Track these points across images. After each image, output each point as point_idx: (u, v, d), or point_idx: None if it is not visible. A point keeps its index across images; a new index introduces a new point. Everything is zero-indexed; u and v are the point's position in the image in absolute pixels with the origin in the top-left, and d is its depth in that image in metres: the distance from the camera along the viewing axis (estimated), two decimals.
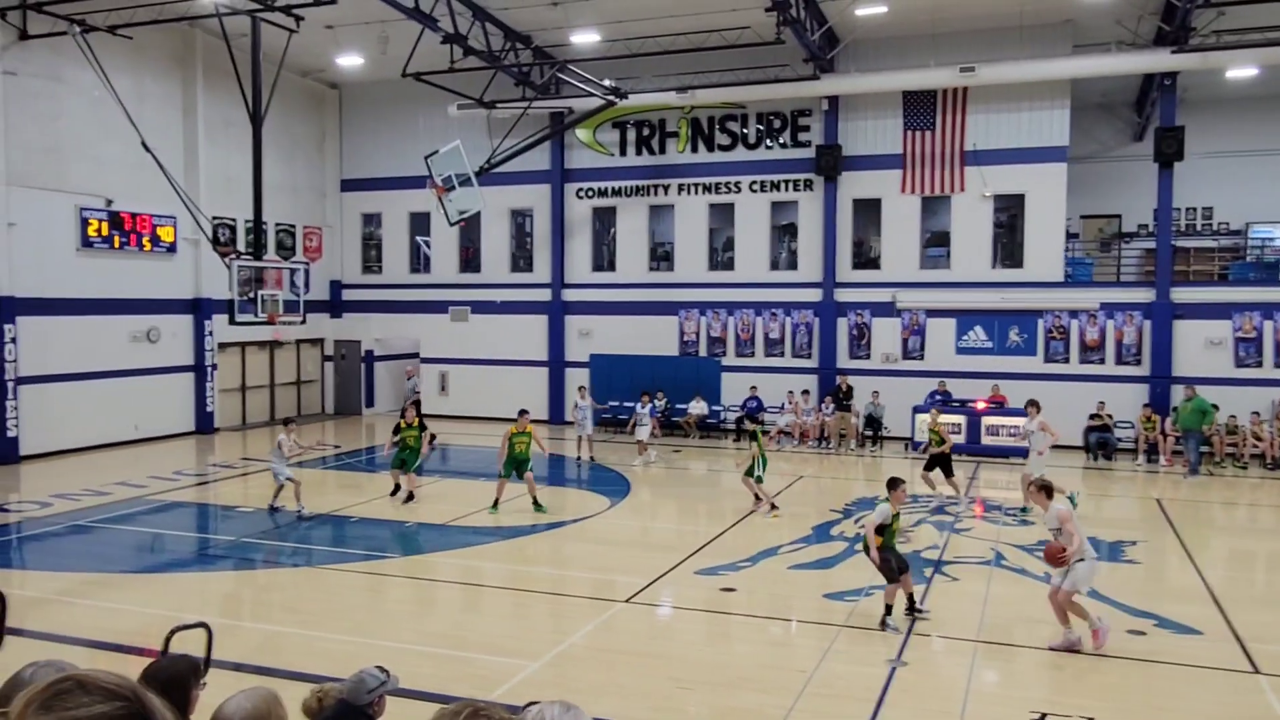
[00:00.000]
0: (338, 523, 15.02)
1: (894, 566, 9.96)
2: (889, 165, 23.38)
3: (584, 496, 16.98)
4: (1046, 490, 9.58)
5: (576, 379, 25.69)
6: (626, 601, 10.85)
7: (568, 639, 9.69)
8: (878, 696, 8.16)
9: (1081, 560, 9.12)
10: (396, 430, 16.52)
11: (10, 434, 19.45)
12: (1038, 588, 11.42)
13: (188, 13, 20.22)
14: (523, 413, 15.74)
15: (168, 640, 4.92)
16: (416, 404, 22.14)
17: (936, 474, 16.21)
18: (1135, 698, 8.43)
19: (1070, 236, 24.26)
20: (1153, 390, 21.50)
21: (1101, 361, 22.17)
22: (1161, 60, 20.55)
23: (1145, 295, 21.95)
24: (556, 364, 26.45)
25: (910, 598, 10.13)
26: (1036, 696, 8.40)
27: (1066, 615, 9.20)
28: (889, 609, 9.88)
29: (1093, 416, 21.08)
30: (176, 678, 3.70)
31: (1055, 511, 9.28)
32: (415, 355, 28.50)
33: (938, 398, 22.20)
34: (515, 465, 15.37)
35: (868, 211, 24.13)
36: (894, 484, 10.24)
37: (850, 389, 22.69)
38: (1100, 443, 20.79)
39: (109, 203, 21.49)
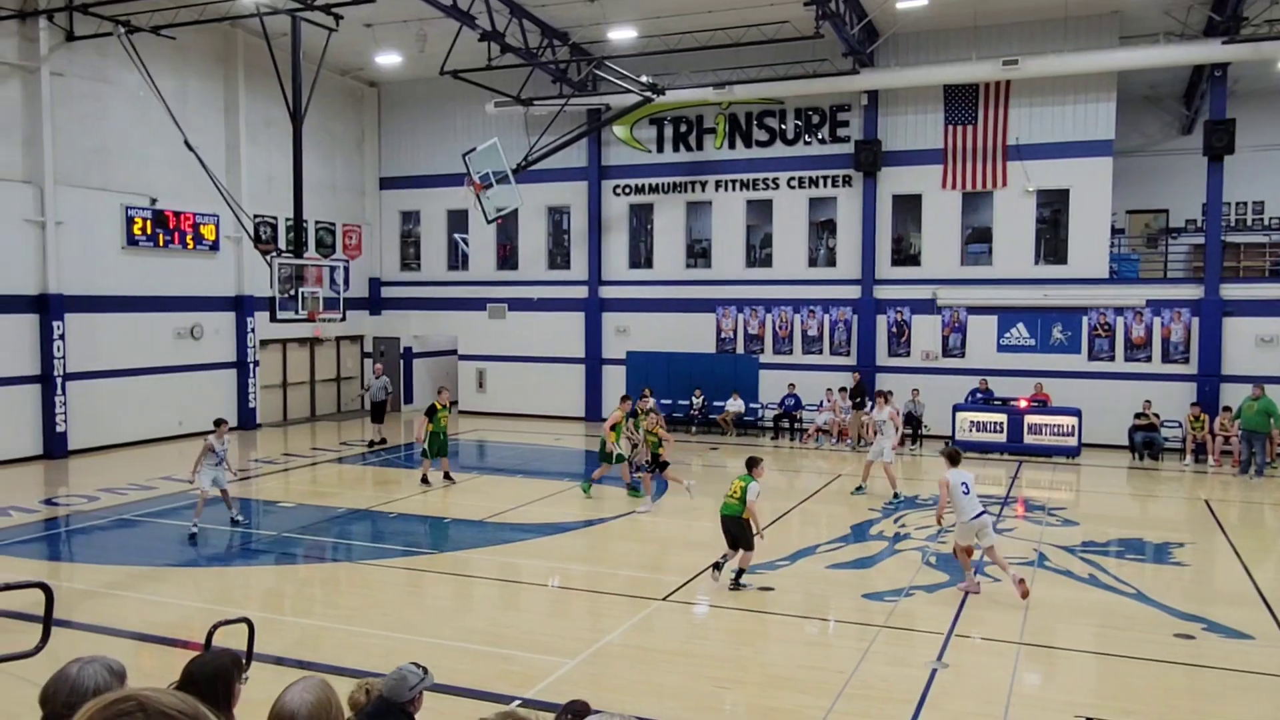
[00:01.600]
0: (376, 518, 15.13)
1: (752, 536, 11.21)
2: (930, 160, 23.12)
3: (621, 494, 16.95)
4: (950, 459, 11.29)
5: (613, 376, 25.73)
6: (664, 600, 10.81)
7: (605, 637, 9.68)
8: (918, 699, 8.05)
9: (958, 522, 10.98)
10: (431, 412, 17.12)
11: (59, 429, 19.83)
12: (1082, 589, 11.25)
13: (229, 13, 20.46)
14: (625, 398, 17.17)
15: (210, 634, 4.97)
16: (383, 404, 22.42)
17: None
18: (1182, 703, 8.25)
19: (1116, 232, 23.84)
20: (1201, 389, 21.06)
21: (1148, 359, 21.77)
22: (1212, 51, 20.11)
23: (1194, 292, 21.51)
24: (593, 361, 26.47)
25: (740, 572, 11.23)
26: (1080, 700, 8.25)
27: (966, 564, 11.18)
28: (742, 573, 11.18)
29: (1138, 416, 20.69)
30: (220, 671, 3.73)
31: (941, 478, 11.12)
32: (453, 352, 28.67)
33: (979, 396, 21.96)
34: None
35: (908, 207, 23.88)
36: (754, 462, 11.46)
37: (861, 385, 22.51)
38: (1146, 442, 20.40)
39: (153, 201, 21.85)
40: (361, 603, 10.90)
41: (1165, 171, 25.12)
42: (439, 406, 17.25)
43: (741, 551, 11.16)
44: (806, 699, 8.07)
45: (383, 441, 21.90)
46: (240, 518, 14.38)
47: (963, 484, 10.90)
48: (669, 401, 24.03)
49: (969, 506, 10.84)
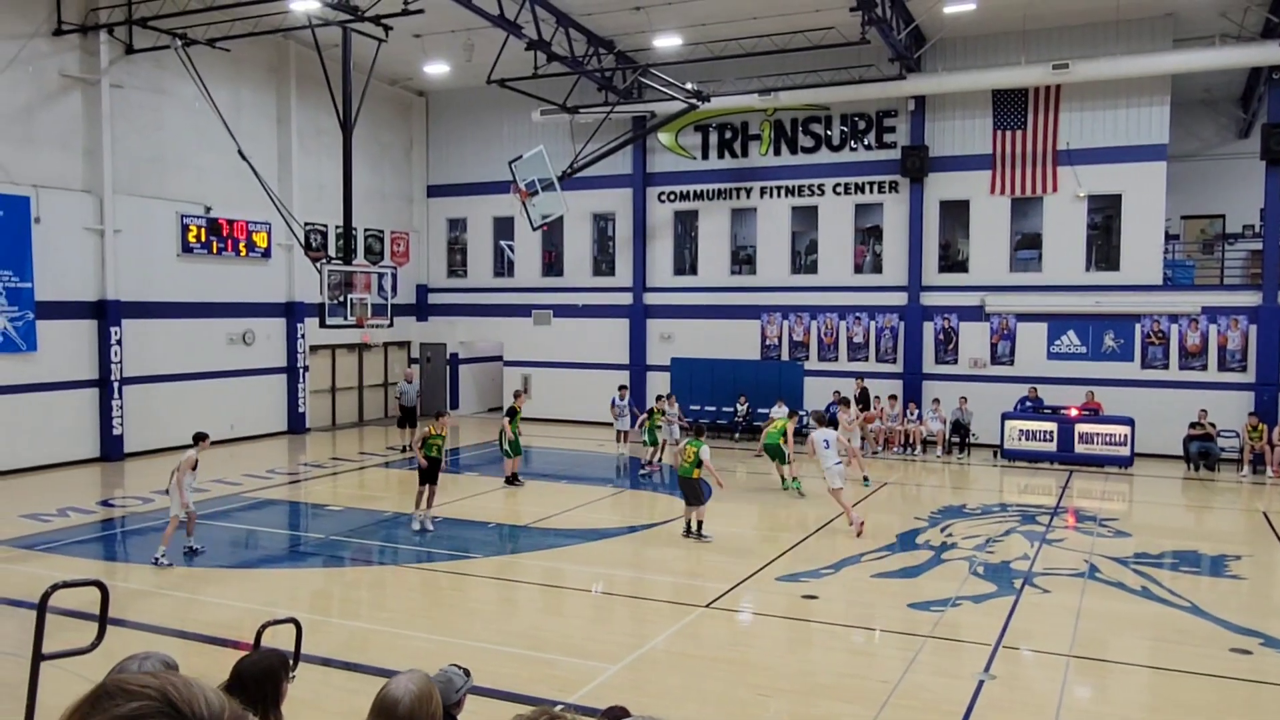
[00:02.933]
0: (423, 522, 15.24)
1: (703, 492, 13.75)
2: (978, 166, 22.84)
3: (665, 500, 16.96)
4: (818, 419, 15.16)
5: (658, 383, 25.75)
6: (707, 606, 10.79)
7: (648, 643, 9.68)
8: (964, 711, 7.94)
9: (822, 468, 14.24)
10: (512, 414, 18.10)
11: (115, 432, 20.30)
12: (1134, 602, 11.03)
13: (282, 25, 20.86)
14: (794, 414, 18.53)
15: (260, 634, 5.07)
16: (413, 409, 22.32)
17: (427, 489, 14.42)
18: (1238, 719, 8.05)
19: (1170, 238, 23.37)
20: (1259, 398, 20.55)
21: (1203, 368, 21.28)
22: (1269, 53, 19.65)
23: (1251, 299, 21.01)
24: (638, 368, 26.50)
25: (700, 524, 13.67)
26: (1132, 715, 8.09)
27: (840, 502, 14.37)
28: (701, 525, 13.63)
29: (1193, 425, 20.23)
30: (268, 671, 3.82)
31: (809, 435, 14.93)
32: (499, 358, 28.88)
33: (1028, 404, 21.63)
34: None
35: (955, 213, 23.62)
36: (702, 429, 14.60)
37: (865, 392, 22.62)
38: (1202, 453, 19.94)
39: (208, 210, 22.31)
40: (407, 606, 11.02)
41: (1222, 176, 24.59)
42: (518, 410, 18.21)
43: (698, 507, 13.58)
44: (850, 708, 8.01)
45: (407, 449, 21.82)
46: (196, 546, 12.94)
47: (824, 440, 14.30)
48: (714, 408, 23.99)
49: (827, 457, 14.16)
